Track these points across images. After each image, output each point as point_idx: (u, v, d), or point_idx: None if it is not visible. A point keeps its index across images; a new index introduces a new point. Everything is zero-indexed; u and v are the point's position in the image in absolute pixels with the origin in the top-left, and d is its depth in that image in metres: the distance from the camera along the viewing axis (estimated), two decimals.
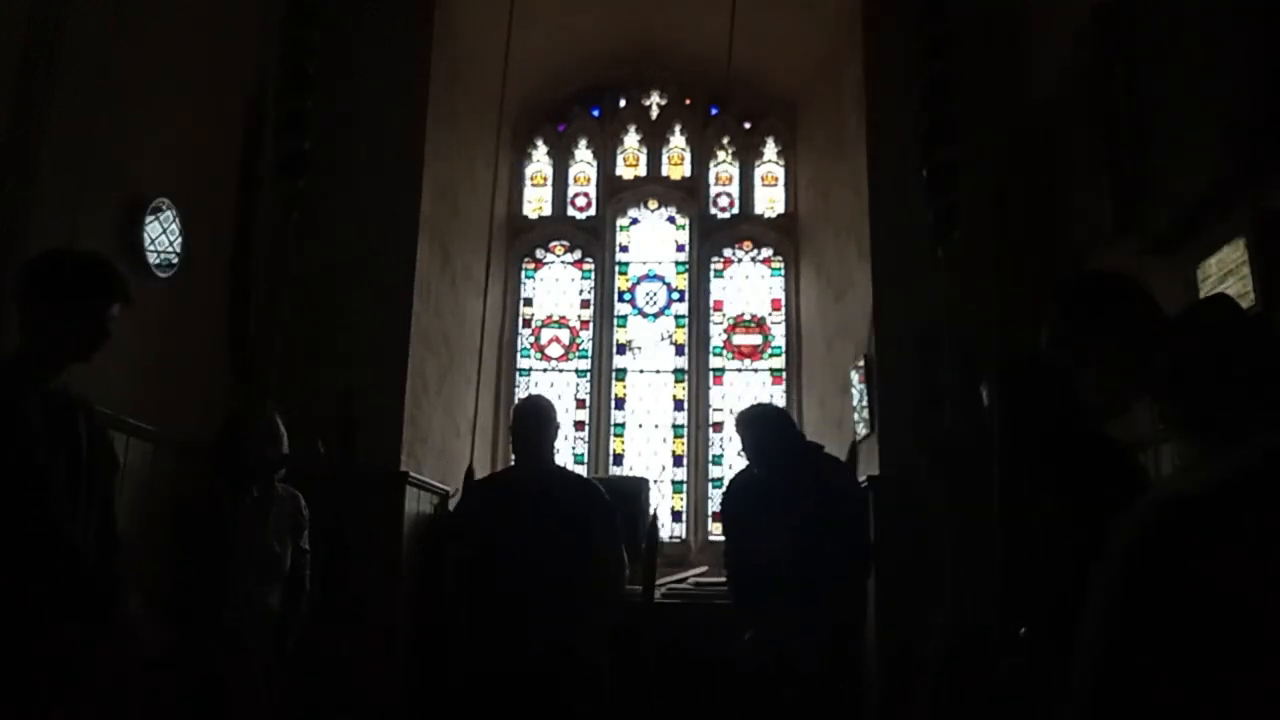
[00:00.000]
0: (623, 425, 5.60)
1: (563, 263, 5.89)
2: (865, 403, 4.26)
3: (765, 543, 3.06)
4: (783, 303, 5.70)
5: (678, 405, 5.59)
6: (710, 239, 5.83)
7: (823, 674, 2.98)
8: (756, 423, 3.27)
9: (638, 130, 6.02)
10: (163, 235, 3.40)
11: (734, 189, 5.93)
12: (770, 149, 5.94)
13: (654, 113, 6.04)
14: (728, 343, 5.68)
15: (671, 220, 5.95)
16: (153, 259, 3.34)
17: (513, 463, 3.27)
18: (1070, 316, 1.73)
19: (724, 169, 5.97)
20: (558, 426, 3.20)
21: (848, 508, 3.21)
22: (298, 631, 3.02)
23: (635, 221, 5.97)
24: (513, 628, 2.84)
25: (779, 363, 5.61)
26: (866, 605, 3.48)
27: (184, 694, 2.66)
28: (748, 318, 5.71)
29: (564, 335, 5.75)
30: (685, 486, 5.45)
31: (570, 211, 5.93)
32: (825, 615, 3.01)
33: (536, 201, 5.95)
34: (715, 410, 5.56)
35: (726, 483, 3.61)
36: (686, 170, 5.96)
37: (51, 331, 1.94)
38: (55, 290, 1.94)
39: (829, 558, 3.02)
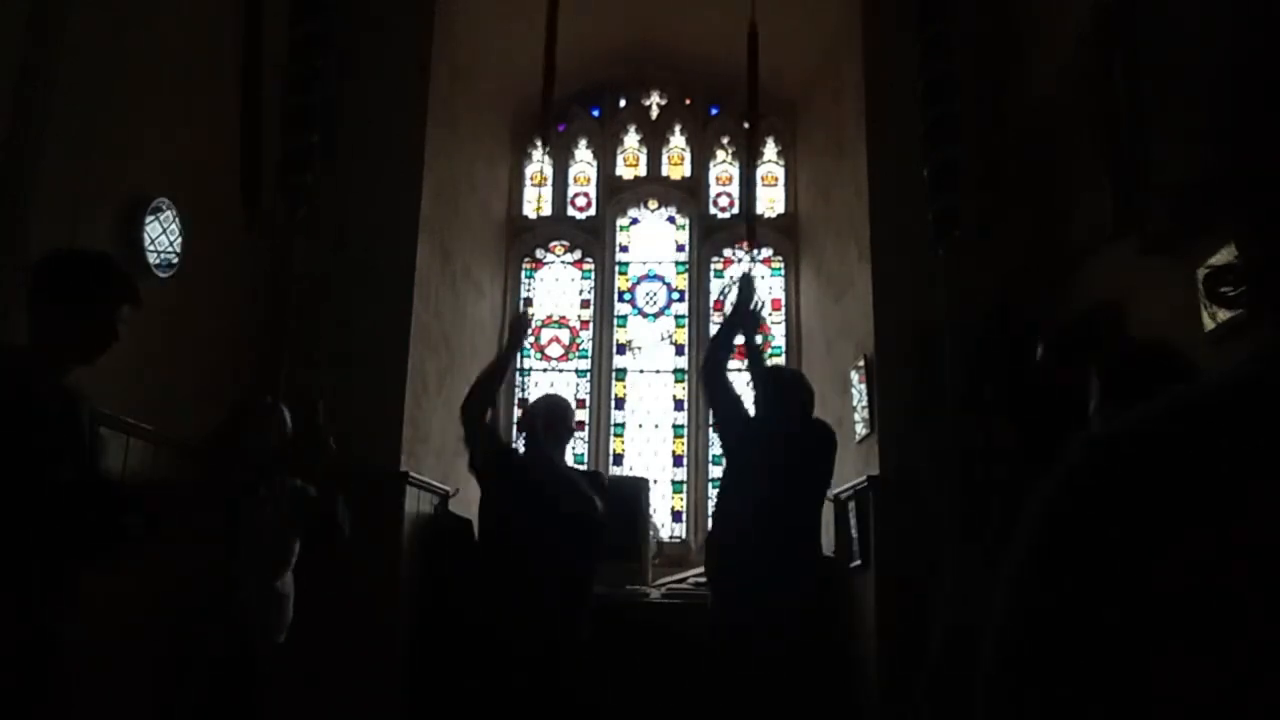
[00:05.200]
0: (623, 425, 5.60)
1: (563, 263, 5.89)
2: (865, 403, 4.26)
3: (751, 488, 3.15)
4: (783, 303, 5.70)
5: (678, 405, 5.59)
6: (710, 239, 5.83)
7: (795, 656, 3.01)
8: (797, 382, 3.52)
9: (638, 130, 6.02)
10: (163, 235, 3.40)
11: (734, 189, 5.93)
12: (770, 149, 5.94)
13: (654, 113, 6.04)
14: None
15: (671, 220, 5.95)
16: (153, 259, 3.34)
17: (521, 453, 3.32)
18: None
19: (724, 169, 5.97)
20: (572, 430, 3.31)
21: (816, 444, 3.36)
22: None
23: (635, 221, 5.97)
24: (519, 609, 2.89)
25: (779, 362, 5.60)
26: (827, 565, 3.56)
27: (197, 682, 2.68)
28: None
29: (564, 335, 5.75)
30: (685, 486, 5.45)
31: (570, 211, 5.93)
32: (799, 577, 3.07)
33: (536, 201, 5.95)
34: None
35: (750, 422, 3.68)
36: (686, 170, 5.96)
37: (60, 332, 1.94)
38: (65, 291, 1.94)
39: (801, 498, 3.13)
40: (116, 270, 2.04)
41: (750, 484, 3.19)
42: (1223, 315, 2.40)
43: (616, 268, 5.85)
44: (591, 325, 5.74)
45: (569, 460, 5.36)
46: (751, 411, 3.54)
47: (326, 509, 3.01)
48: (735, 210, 5.88)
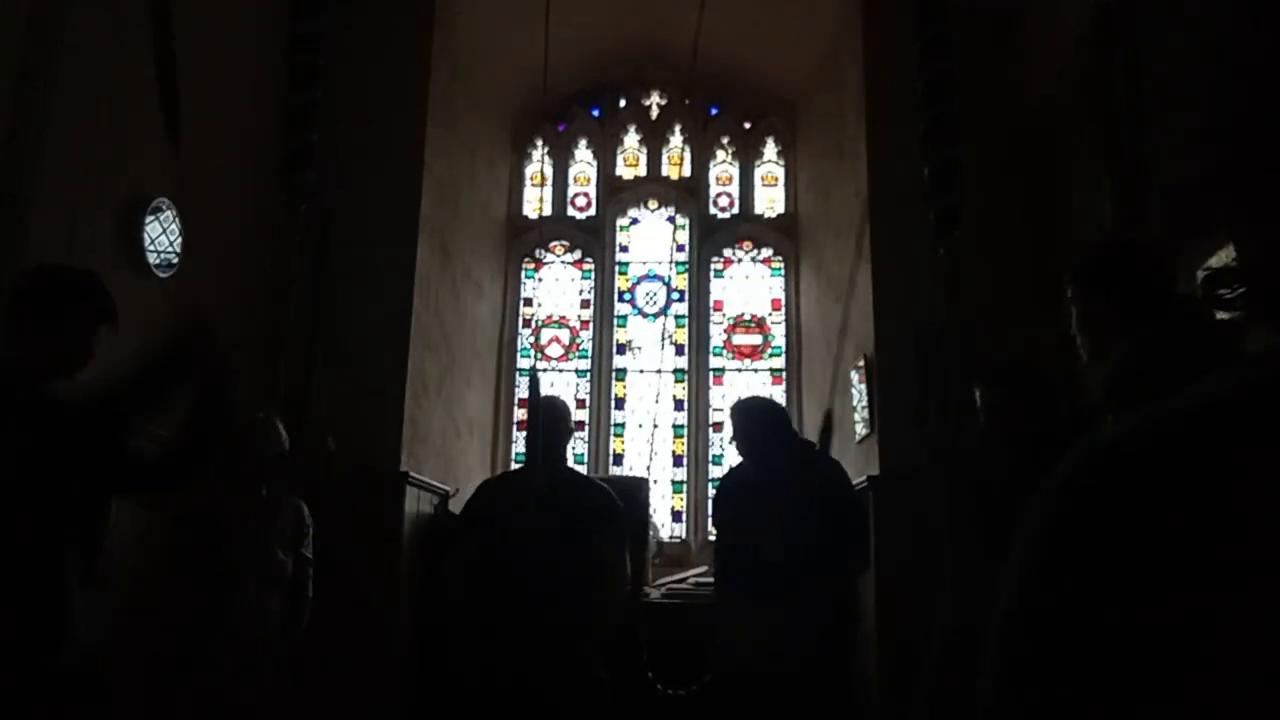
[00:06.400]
0: (623, 425, 5.60)
1: (563, 263, 5.89)
2: (865, 403, 4.26)
3: (758, 539, 3.06)
4: (783, 303, 5.70)
5: (678, 405, 5.59)
6: (710, 239, 5.83)
7: (812, 672, 2.97)
8: (750, 414, 3.26)
9: (638, 130, 6.02)
10: (163, 235, 3.39)
11: (734, 189, 5.93)
12: (770, 149, 5.94)
13: (654, 113, 6.04)
14: (728, 343, 5.68)
15: (671, 220, 5.96)
16: (153, 259, 3.34)
17: (522, 462, 3.28)
18: (1074, 284, 1.85)
19: (724, 169, 5.97)
20: (572, 429, 3.22)
21: (842, 502, 3.20)
22: (297, 636, 3.02)
23: (635, 221, 5.97)
24: (516, 628, 2.84)
25: (779, 363, 5.61)
26: (860, 603, 3.47)
27: (190, 697, 2.67)
28: (748, 318, 5.72)
29: (564, 335, 5.75)
30: (685, 486, 5.45)
31: (570, 211, 5.93)
32: (817, 612, 3.00)
33: (536, 201, 5.96)
34: (715, 410, 5.56)
35: (720, 479, 3.62)
36: (686, 170, 5.96)
37: (35, 348, 1.93)
38: (41, 308, 1.94)
39: (824, 554, 3.02)
40: (91, 290, 2.02)
41: (757, 549, 3.07)
42: (1221, 317, 2.40)
43: (616, 268, 5.85)
44: (591, 325, 5.74)
45: (570, 462, 5.42)
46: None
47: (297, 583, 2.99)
48: (735, 210, 5.89)
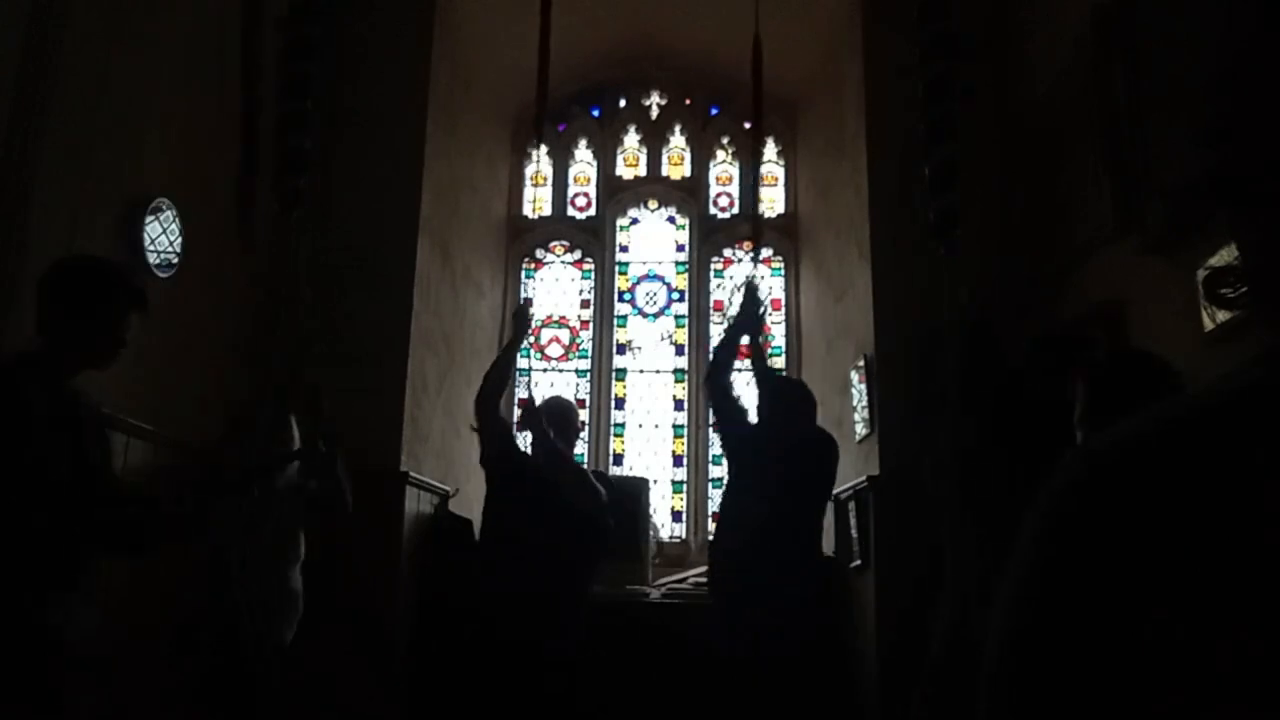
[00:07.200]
0: (623, 425, 5.60)
1: (563, 263, 5.89)
2: (865, 403, 4.26)
3: (752, 497, 3.16)
4: (783, 303, 5.70)
5: (678, 405, 5.59)
6: (710, 239, 5.83)
7: (801, 658, 3.00)
8: (788, 383, 3.52)
9: (638, 130, 6.01)
10: (163, 235, 3.39)
11: (734, 189, 5.93)
12: (770, 149, 5.93)
13: (654, 113, 6.03)
14: None
15: (671, 220, 5.95)
16: (153, 259, 3.34)
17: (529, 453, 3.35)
18: (1084, 388, 1.91)
19: (724, 169, 5.97)
20: (577, 429, 3.38)
21: (813, 482, 3.31)
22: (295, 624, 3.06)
23: (635, 221, 5.97)
24: (516, 607, 2.93)
25: (779, 363, 5.61)
26: (840, 590, 3.54)
27: (199, 675, 2.70)
28: None
29: (564, 335, 5.75)
30: (685, 486, 5.45)
31: (570, 211, 5.93)
32: (802, 598, 3.06)
33: (536, 201, 5.95)
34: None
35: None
36: (686, 170, 5.96)
37: (65, 340, 1.94)
38: (73, 297, 1.95)
39: (804, 507, 3.12)
40: (121, 278, 2.04)
41: (755, 493, 3.19)
42: (1222, 316, 2.41)
43: (616, 268, 5.85)
44: (591, 325, 5.74)
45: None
46: (753, 414, 3.53)
47: (327, 478, 3.02)
48: (735, 210, 5.88)
